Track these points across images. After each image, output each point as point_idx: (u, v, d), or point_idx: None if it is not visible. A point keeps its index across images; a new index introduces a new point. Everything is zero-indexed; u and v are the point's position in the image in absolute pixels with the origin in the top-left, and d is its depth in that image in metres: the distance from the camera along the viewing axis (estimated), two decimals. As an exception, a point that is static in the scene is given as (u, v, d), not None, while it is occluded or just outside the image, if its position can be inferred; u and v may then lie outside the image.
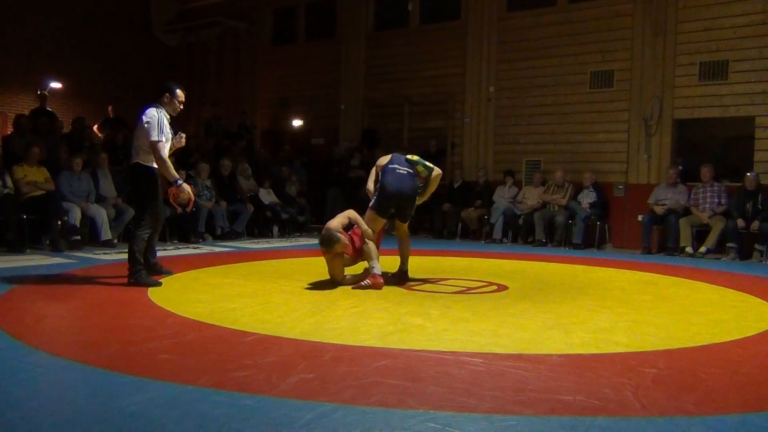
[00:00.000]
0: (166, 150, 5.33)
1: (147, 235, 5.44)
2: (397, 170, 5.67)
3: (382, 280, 5.45)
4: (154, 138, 5.21)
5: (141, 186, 5.47)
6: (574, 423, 2.45)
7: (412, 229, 11.34)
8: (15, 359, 3.21)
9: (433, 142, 11.50)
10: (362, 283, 5.42)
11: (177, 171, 8.92)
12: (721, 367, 3.32)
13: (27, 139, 9.32)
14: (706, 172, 8.95)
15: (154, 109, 5.33)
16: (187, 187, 5.51)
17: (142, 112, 5.34)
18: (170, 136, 5.44)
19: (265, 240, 10.03)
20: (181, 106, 5.59)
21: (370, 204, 5.74)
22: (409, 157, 5.88)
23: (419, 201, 5.90)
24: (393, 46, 12.57)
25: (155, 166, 5.37)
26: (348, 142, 12.67)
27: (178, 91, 5.50)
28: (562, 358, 3.38)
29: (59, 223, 7.98)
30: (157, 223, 5.65)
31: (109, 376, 2.93)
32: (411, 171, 5.71)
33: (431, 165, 5.88)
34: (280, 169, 11.62)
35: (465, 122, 11.60)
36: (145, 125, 5.24)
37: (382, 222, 5.74)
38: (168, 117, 5.42)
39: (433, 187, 5.96)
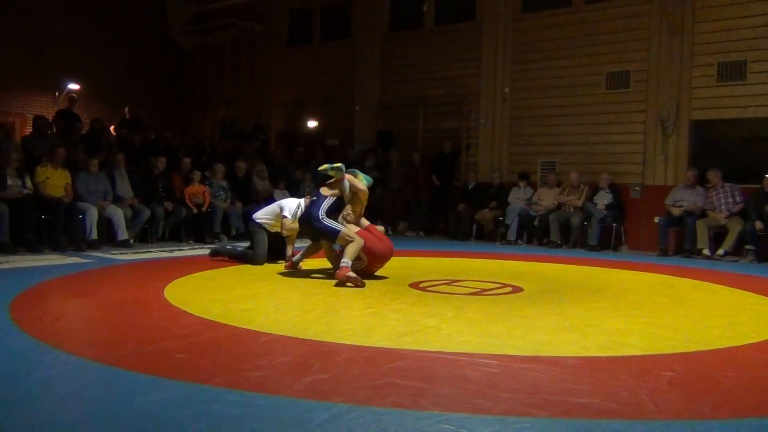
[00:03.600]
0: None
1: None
2: (303, 210, 6.51)
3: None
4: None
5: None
6: (589, 426, 2.44)
7: (427, 231, 11.43)
8: (33, 358, 3.25)
9: (447, 143, 11.45)
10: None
11: (192, 171, 9.25)
12: (738, 370, 3.28)
13: (48, 140, 9.40)
14: (713, 176, 8.87)
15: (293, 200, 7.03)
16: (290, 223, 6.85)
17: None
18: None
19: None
20: None
21: None
22: (319, 168, 6.43)
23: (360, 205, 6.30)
24: (408, 47, 12.55)
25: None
26: (363, 144, 12.68)
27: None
28: (578, 360, 3.36)
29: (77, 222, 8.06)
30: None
31: (126, 375, 2.96)
32: (313, 200, 6.21)
33: (338, 165, 6.26)
34: (294, 171, 11.65)
35: (480, 123, 11.56)
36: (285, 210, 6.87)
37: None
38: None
39: (361, 193, 6.18)
